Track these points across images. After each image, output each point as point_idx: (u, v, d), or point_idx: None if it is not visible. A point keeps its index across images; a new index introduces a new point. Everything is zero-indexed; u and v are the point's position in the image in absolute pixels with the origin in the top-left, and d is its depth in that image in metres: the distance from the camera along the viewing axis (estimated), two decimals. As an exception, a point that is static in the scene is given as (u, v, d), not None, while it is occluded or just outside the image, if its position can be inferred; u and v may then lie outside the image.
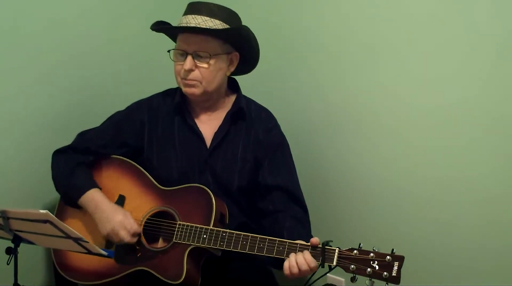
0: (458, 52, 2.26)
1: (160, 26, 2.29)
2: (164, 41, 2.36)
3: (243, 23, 2.30)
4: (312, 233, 2.22)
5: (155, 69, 2.83)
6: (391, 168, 2.51)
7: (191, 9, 2.24)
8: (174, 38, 2.33)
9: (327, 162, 2.70)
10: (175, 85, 2.41)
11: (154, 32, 2.33)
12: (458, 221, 2.35)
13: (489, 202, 2.26)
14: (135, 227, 2.22)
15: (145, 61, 2.88)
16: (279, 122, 2.42)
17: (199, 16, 2.20)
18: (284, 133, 2.41)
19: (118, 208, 2.28)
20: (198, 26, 2.19)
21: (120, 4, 2.79)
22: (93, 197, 2.29)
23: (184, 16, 2.23)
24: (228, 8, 2.27)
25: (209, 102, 2.34)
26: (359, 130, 2.59)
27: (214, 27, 2.20)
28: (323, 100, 2.68)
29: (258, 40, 2.32)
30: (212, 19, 2.20)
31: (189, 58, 2.21)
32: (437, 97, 2.33)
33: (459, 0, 2.23)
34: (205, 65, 2.22)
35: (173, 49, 2.26)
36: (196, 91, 2.26)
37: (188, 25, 2.20)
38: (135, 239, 2.22)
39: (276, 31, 2.74)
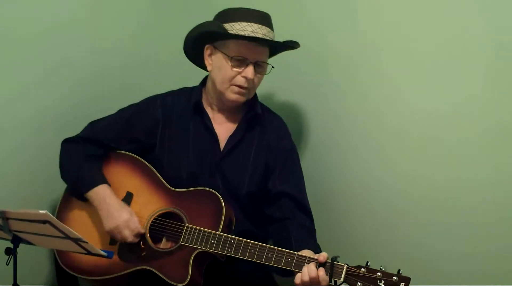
0: (460, 53, 2.23)
1: (243, 35, 2.20)
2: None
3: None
4: (318, 241, 2.24)
5: (157, 68, 2.83)
6: (392, 167, 2.46)
7: (253, 17, 2.21)
8: (213, 38, 2.26)
9: (333, 170, 2.65)
10: (177, 84, 2.42)
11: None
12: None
13: (494, 203, 2.22)
14: (139, 228, 2.22)
15: (147, 61, 2.86)
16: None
17: (264, 27, 2.22)
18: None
19: (125, 206, 2.26)
20: (270, 38, 2.23)
21: (121, 3, 2.77)
22: (99, 192, 2.27)
23: (247, 23, 2.19)
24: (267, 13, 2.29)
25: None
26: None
27: (274, 38, 2.26)
28: (328, 104, 2.62)
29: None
30: (271, 31, 2.25)
31: (252, 66, 2.22)
32: (442, 98, 2.29)
33: (461, 4, 2.22)
34: (263, 75, 2.29)
35: (234, 56, 2.21)
36: (243, 98, 2.29)
37: (256, 35, 2.19)
38: (137, 240, 2.22)
39: (283, 33, 2.70)
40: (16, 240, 1.86)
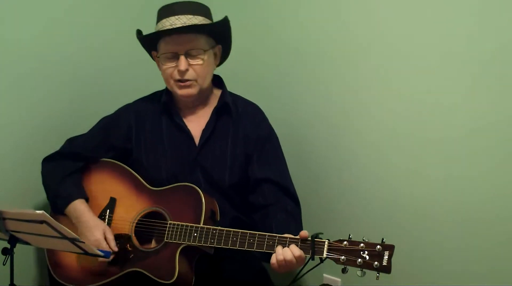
0: (457, 50, 2.26)
1: (150, 33, 2.26)
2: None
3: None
4: (305, 227, 2.18)
5: (147, 70, 2.79)
6: (385, 163, 2.51)
7: (170, 11, 2.23)
8: (151, 45, 2.33)
9: (319, 157, 2.69)
10: (164, 86, 2.43)
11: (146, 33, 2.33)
12: (453, 220, 2.35)
13: (486, 201, 2.27)
14: (111, 248, 2.23)
15: (138, 62, 2.82)
16: (272, 118, 2.43)
17: (183, 16, 2.21)
18: (277, 129, 2.43)
19: (99, 224, 2.28)
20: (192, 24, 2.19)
21: (112, 5, 2.81)
22: (75, 209, 2.30)
23: (165, 19, 2.22)
24: (201, 3, 2.29)
25: (197, 100, 2.35)
26: (352, 126, 2.58)
27: (201, 23, 2.23)
28: (316, 96, 2.67)
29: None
30: (195, 16, 2.23)
31: (182, 58, 2.22)
32: (435, 95, 2.33)
33: (457, 1, 2.24)
34: (200, 62, 2.24)
35: (162, 54, 2.26)
36: (192, 91, 2.28)
37: (174, 26, 2.19)
38: (109, 259, 2.21)
39: (270, 29, 2.75)
40: (13, 240, 1.87)
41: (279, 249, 1.96)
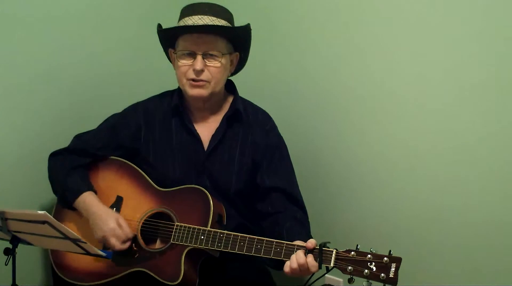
0: (457, 51, 2.26)
1: (171, 27, 2.24)
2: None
3: (239, 23, 2.30)
4: (311, 233, 2.23)
5: (152, 71, 2.85)
6: (389, 168, 2.51)
7: (195, 10, 2.22)
8: (169, 41, 2.31)
9: (324, 163, 2.70)
10: (171, 88, 2.42)
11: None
12: (455, 221, 2.35)
13: (487, 202, 2.26)
14: (126, 234, 2.22)
15: (143, 63, 2.89)
16: (275, 122, 2.42)
17: (206, 16, 2.20)
18: (281, 134, 2.41)
19: (111, 213, 2.27)
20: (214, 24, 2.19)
21: (116, 6, 2.80)
22: (85, 201, 2.29)
23: (188, 17, 2.21)
24: (225, 8, 2.28)
25: (208, 104, 2.34)
26: (358, 130, 2.58)
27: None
28: (320, 100, 2.68)
29: (253, 38, 2.33)
30: (218, 19, 2.22)
31: (200, 58, 2.20)
32: (436, 97, 2.33)
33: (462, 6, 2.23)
34: (217, 64, 2.22)
35: (179, 51, 2.25)
36: (204, 92, 2.25)
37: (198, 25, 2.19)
38: (126, 246, 2.22)
39: (271, 29, 2.75)
40: (15, 241, 1.87)
41: (293, 259, 1.95)
